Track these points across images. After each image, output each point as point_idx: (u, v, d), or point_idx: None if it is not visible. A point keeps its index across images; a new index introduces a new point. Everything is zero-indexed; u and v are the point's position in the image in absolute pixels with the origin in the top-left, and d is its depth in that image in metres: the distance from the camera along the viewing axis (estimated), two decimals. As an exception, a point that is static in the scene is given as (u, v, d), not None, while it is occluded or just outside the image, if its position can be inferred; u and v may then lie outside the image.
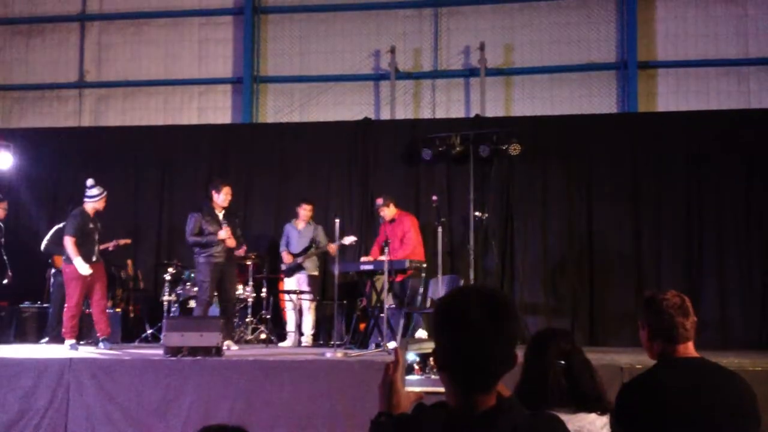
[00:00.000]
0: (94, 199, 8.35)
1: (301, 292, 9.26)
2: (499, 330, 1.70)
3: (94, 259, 8.15)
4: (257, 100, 11.80)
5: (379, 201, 8.89)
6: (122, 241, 9.85)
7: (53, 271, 9.50)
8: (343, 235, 8.45)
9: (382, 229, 8.88)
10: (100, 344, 8.05)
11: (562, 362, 2.78)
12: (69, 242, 8.05)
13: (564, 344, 2.83)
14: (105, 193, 8.40)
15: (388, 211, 8.76)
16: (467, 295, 1.78)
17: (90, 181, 8.45)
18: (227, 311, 8.32)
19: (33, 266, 9.94)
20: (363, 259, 8.79)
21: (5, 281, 9.30)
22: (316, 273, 9.50)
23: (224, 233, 8.11)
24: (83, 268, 7.97)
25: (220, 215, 8.27)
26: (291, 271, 9.39)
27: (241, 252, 8.53)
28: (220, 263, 8.17)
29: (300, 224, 9.50)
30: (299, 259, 9.34)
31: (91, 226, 8.26)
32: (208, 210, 8.31)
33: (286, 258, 9.39)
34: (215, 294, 8.38)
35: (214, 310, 8.91)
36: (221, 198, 8.29)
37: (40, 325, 9.64)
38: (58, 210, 10.98)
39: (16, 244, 9.91)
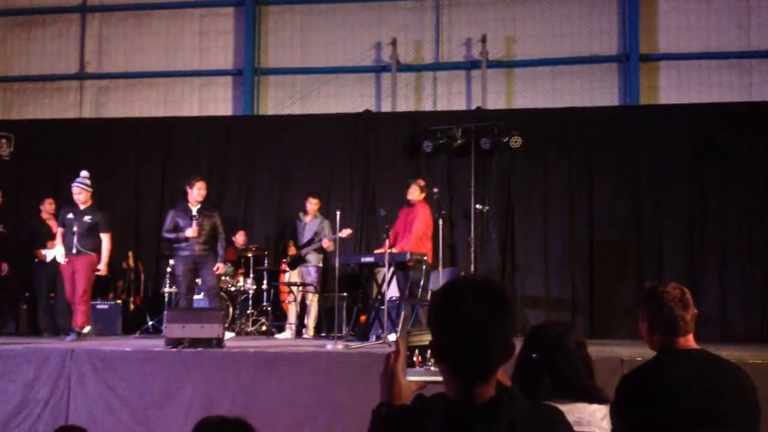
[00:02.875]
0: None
1: (304, 285, 9.28)
2: (493, 319, 1.70)
3: (74, 251, 8.18)
4: (258, 92, 11.78)
5: (421, 181, 8.78)
6: None
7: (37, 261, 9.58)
8: (342, 227, 8.47)
9: (400, 215, 8.83)
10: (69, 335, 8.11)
11: (534, 355, 2.74)
12: (57, 232, 8.50)
13: (550, 335, 2.80)
14: (73, 183, 8.41)
15: (412, 192, 8.66)
16: (461, 286, 1.77)
17: (81, 172, 8.54)
18: (210, 302, 8.32)
19: (33, 258, 9.95)
20: (377, 251, 8.76)
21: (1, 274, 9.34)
22: (320, 265, 9.51)
23: (190, 232, 8.13)
24: (58, 256, 8.29)
25: (194, 210, 8.28)
26: (295, 263, 9.41)
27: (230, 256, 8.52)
28: (191, 256, 8.20)
29: (307, 217, 9.52)
30: (303, 251, 9.36)
31: (70, 216, 8.31)
32: (182, 206, 8.40)
33: (291, 250, 9.45)
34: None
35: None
36: (195, 193, 8.32)
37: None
38: (59, 202, 11.00)
39: (16, 236, 9.92)
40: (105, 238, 8.33)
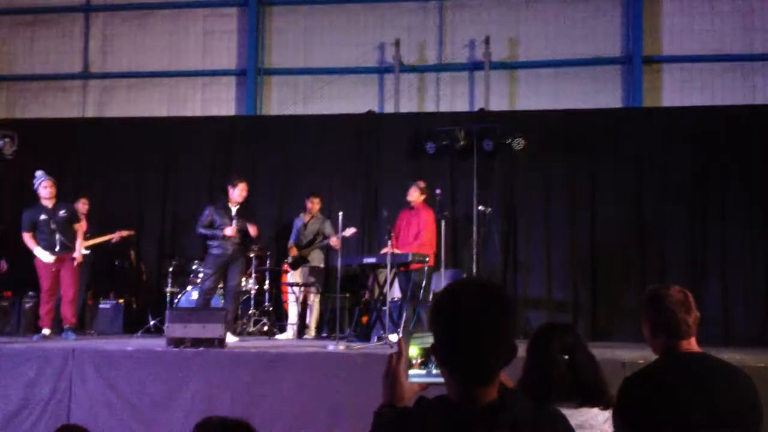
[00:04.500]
0: (37, 189, 8.37)
1: (306, 285, 9.27)
2: (495, 322, 1.70)
3: (57, 249, 8.16)
4: (261, 93, 11.79)
5: (421, 183, 8.81)
6: (125, 233, 9.88)
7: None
8: (344, 227, 8.46)
9: (400, 217, 8.83)
10: (63, 334, 8.09)
11: (566, 357, 2.77)
12: (24, 237, 8.29)
13: (568, 338, 2.82)
14: (42, 179, 8.33)
15: (412, 194, 8.68)
16: (462, 289, 1.78)
17: (37, 172, 8.48)
18: (227, 302, 8.34)
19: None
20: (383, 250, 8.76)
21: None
22: (321, 265, 9.50)
23: (230, 231, 8.16)
24: (44, 256, 8.14)
25: (233, 209, 8.33)
26: (296, 263, 9.41)
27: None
28: (223, 255, 8.23)
29: (307, 217, 9.51)
30: (304, 252, 9.36)
31: (43, 217, 8.25)
32: (222, 204, 8.44)
33: (292, 251, 9.44)
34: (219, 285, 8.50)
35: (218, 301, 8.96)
36: (236, 193, 8.38)
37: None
38: (58, 202, 11.00)
39: (18, 234, 9.91)
40: (78, 228, 8.39)
